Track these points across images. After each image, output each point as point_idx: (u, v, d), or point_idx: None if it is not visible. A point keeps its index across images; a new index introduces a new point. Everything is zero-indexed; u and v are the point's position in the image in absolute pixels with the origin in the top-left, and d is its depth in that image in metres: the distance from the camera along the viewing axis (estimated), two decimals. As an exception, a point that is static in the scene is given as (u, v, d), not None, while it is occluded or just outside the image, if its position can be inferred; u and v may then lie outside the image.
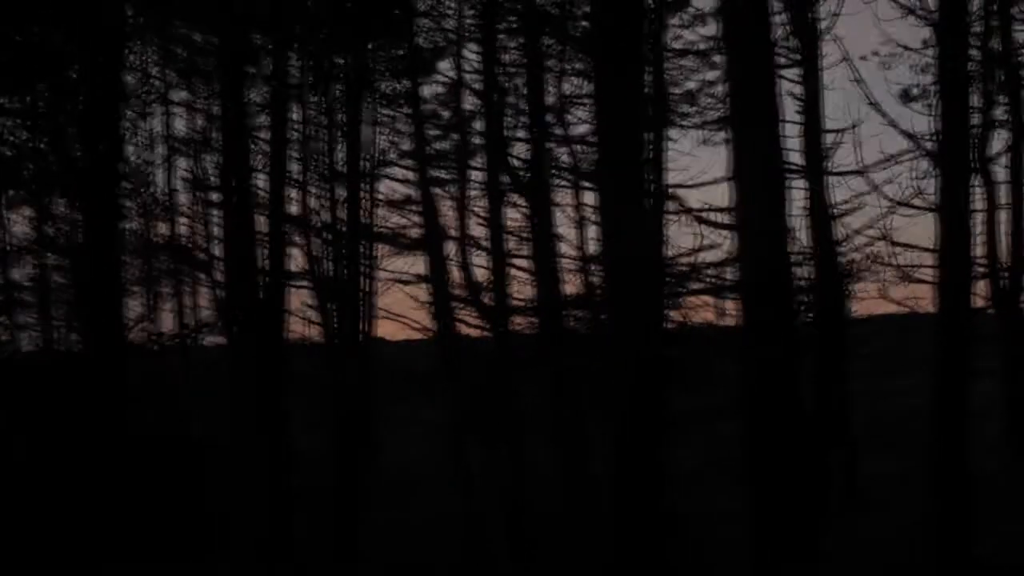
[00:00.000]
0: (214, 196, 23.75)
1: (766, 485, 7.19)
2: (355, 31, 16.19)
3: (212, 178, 23.32)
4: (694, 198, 28.31)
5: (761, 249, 7.10)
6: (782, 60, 15.12)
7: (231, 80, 13.35)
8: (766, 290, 7.03)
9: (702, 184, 15.75)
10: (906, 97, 18.98)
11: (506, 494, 16.08)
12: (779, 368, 7.02)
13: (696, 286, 14.71)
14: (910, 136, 12.72)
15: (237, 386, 16.34)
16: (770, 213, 7.05)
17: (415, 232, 25.25)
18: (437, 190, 22.65)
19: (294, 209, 21.99)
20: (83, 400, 16.83)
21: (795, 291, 14.96)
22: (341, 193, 19.34)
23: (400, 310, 37.90)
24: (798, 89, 15.56)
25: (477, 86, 18.59)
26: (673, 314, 14.91)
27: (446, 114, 24.34)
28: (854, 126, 14.95)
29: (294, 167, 22.12)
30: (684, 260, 14.93)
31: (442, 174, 23.67)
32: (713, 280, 14.50)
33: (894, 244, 15.36)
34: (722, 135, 16.19)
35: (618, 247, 10.02)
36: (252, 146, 20.26)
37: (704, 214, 14.56)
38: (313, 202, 23.36)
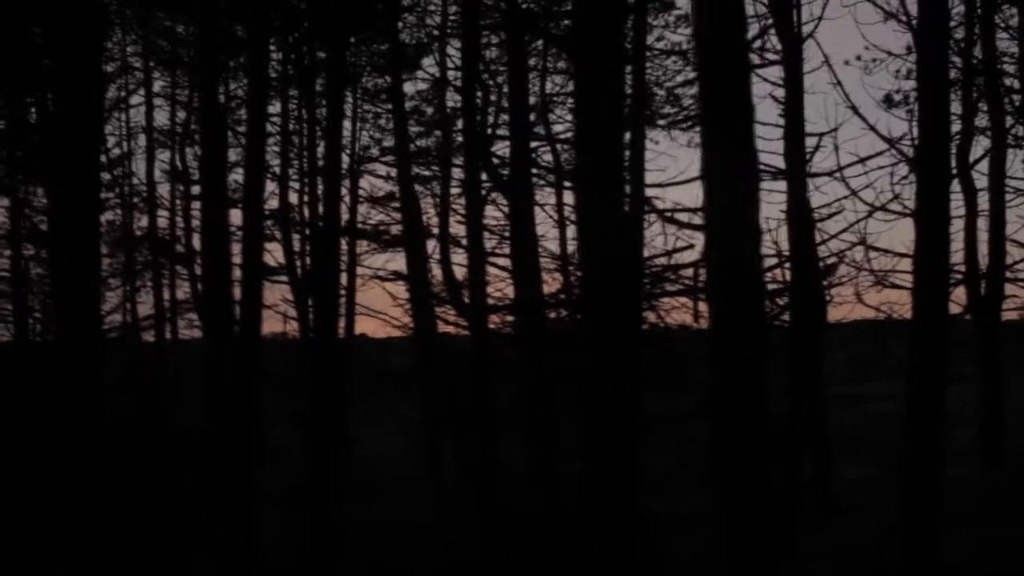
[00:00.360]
0: (195, 189, 23.77)
1: (732, 490, 7.13)
2: (336, 24, 16.06)
3: (192, 171, 23.31)
4: (673, 198, 28.39)
5: (730, 250, 7.04)
6: (757, 59, 15.12)
7: (208, 72, 13.23)
8: (734, 292, 6.97)
9: (679, 183, 15.81)
10: (889, 102, 19.05)
11: (481, 492, 16.03)
12: (747, 371, 6.96)
13: (672, 287, 14.66)
14: (888, 141, 12.74)
15: (212, 380, 16.26)
16: (740, 214, 6.98)
17: (396, 229, 25.32)
18: (419, 187, 22.70)
19: (274, 204, 22.02)
20: (57, 390, 16.70)
21: (772, 293, 14.97)
22: (322, 188, 19.30)
23: (382, 307, 37.93)
24: (780, 92, 15.53)
25: (459, 83, 18.55)
26: (649, 315, 14.86)
27: (429, 111, 24.39)
28: (835, 129, 15.00)
29: (274, 162, 22.18)
30: (660, 261, 14.89)
31: (424, 171, 23.72)
32: (689, 281, 14.46)
33: (870, 248, 15.39)
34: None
35: (595, 248, 9.97)
36: (233, 139, 20.25)
37: (679, 215, 14.52)
38: (294, 197, 23.39)
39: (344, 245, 27.62)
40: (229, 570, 13.50)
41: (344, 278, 28.12)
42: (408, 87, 23.01)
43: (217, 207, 12.63)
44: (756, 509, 6.96)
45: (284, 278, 21.86)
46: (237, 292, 13.68)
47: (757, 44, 15.08)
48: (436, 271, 20.33)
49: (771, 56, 15.71)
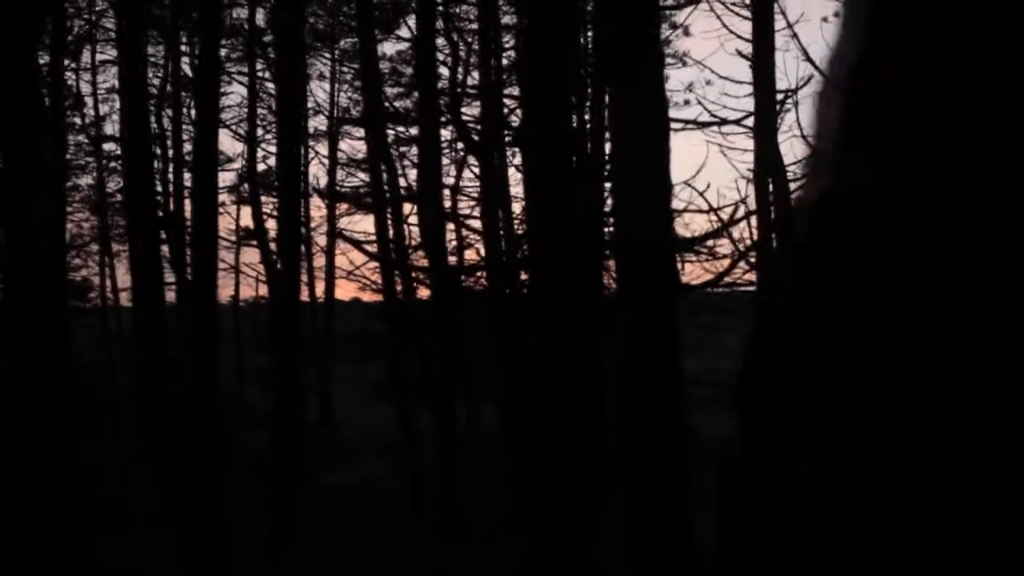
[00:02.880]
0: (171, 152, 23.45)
1: (631, 467, 6.79)
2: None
3: (168, 132, 22.98)
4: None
5: (639, 207, 6.65)
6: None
7: (131, 31, 12.86)
8: (638, 249, 6.60)
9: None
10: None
11: (447, 460, 15.76)
12: (654, 333, 6.60)
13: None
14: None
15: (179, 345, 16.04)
16: (649, 169, 6.59)
17: (369, 191, 24.98)
18: (395, 151, 22.31)
19: (245, 166, 21.69)
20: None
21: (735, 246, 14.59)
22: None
23: (365, 270, 37.49)
24: (747, 48, 15.17)
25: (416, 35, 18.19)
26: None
27: (409, 71, 23.99)
28: (800, 87, 14.65)
29: (241, 121, 21.82)
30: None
31: (404, 133, 23.33)
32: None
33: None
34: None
35: (540, 205, 9.61)
36: (200, 101, 19.85)
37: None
38: (265, 161, 23.05)
39: (323, 208, 27.40)
40: (195, 551, 13.22)
41: (324, 241, 27.95)
42: (389, 48, 22.66)
43: (143, 166, 12.29)
44: (659, 483, 6.65)
45: (254, 242, 21.56)
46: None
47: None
48: (409, 233, 19.98)
49: (744, 14, 15.41)
